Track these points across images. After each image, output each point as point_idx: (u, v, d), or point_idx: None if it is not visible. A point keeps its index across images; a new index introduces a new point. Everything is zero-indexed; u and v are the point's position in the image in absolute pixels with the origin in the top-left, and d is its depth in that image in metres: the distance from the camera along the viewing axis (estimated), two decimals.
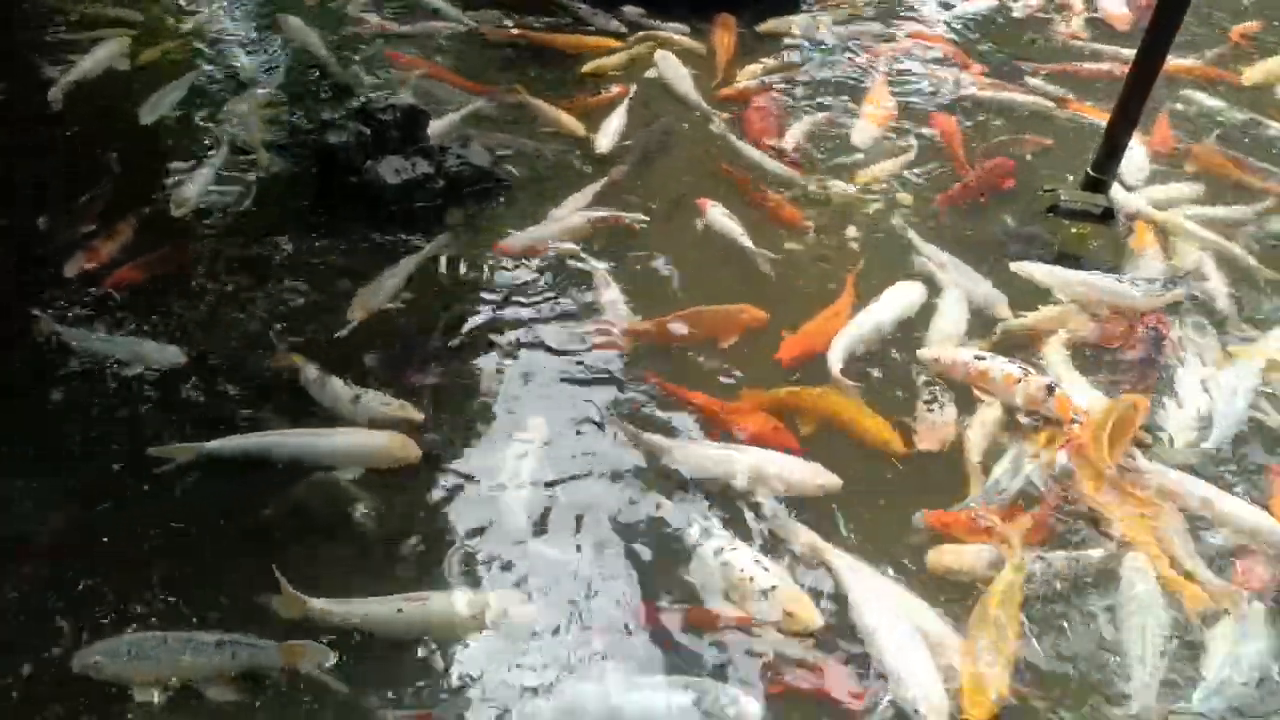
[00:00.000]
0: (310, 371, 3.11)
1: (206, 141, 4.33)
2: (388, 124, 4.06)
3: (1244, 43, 5.47)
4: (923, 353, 3.32)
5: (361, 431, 2.96)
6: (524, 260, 3.71)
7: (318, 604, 2.46)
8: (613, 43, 5.22)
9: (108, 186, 3.98)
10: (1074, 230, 3.92)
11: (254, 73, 4.89)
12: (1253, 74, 5.09)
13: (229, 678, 2.34)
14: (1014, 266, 3.71)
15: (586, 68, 4.99)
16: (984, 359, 3.23)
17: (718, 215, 3.94)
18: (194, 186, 3.97)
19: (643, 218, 3.93)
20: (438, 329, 3.40)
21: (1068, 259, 3.79)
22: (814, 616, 2.48)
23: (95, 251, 3.60)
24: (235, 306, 3.44)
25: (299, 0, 5.55)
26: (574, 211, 3.95)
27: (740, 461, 2.88)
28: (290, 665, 2.36)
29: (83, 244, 3.63)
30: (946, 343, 3.37)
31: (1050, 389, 3.12)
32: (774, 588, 2.52)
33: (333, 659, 2.38)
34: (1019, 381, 3.14)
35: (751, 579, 2.54)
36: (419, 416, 3.01)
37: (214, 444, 2.87)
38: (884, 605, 2.52)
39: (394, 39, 5.26)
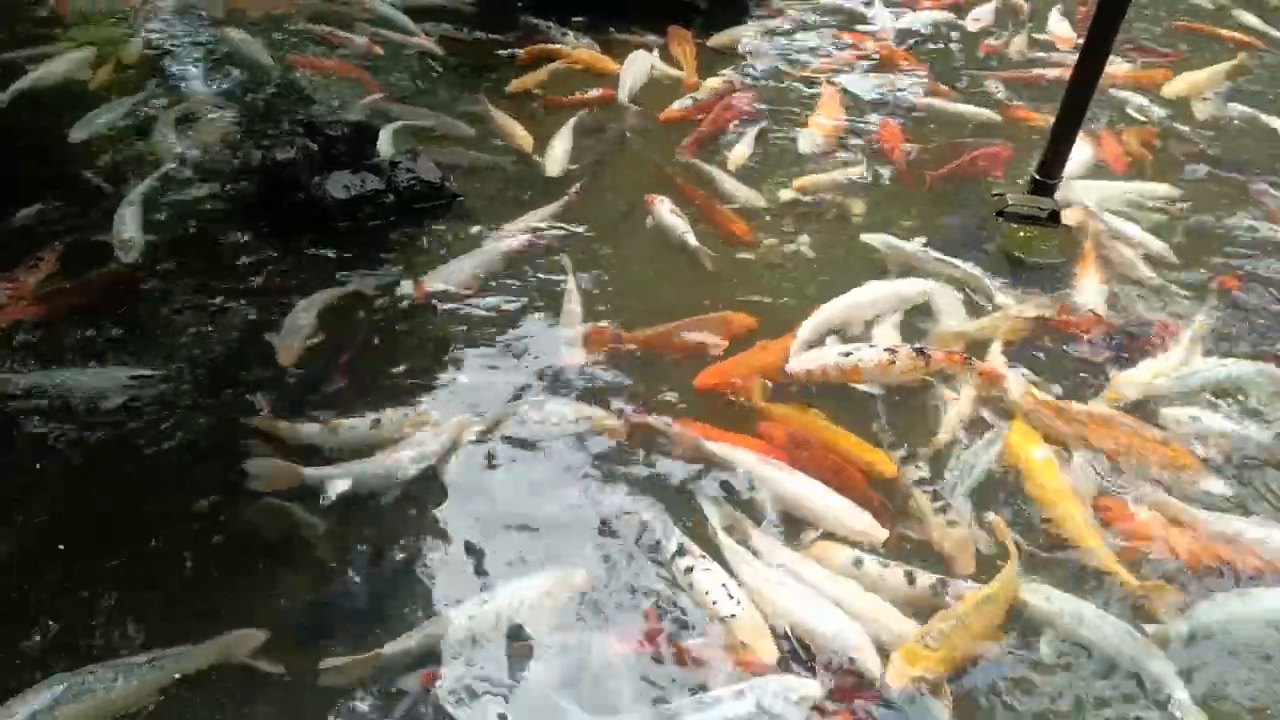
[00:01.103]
0: (307, 430, 2.96)
1: (135, 166, 4.22)
2: (335, 139, 4.03)
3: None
4: (791, 367, 3.20)
5: (429, 436, 2.94)
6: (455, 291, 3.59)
7: (388, 648, 2.39)
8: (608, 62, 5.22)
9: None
10: (1021, 233, 3.97)
11: (199, 90, 4.84)
12: (1174, 87, 5.18)
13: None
14: (864, 237, 3.88)
15: (512, 86, 4.96)
16: (850, 353, 3.21)
17: (664, 212, 3.97)
18: (131, 227, 3.76)
19: (554, 235, 3.88)
20: (342, 365, 3.25)
21: (1012, 261, 3.85)
22: (768, 650, 2.40)
23: (19, 284, 3.46)
24: (181, 333, 3.35)
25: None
26: (496, 241, 3.84)
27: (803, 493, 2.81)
28: (224, 659, 2.35)
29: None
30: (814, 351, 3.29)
31: (920, 351, 3.20)
32: (733, 616, 2.47)
33: (262, 639, 2.37)
34: (892, 362, 3.17)
35: (715, 603, 2.50)
36: (434, 415, 3.03)
37: (311, 470, 2.80)
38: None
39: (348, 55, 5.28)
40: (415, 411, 3.05)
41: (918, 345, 3.27)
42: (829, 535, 2.72)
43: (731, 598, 2.51)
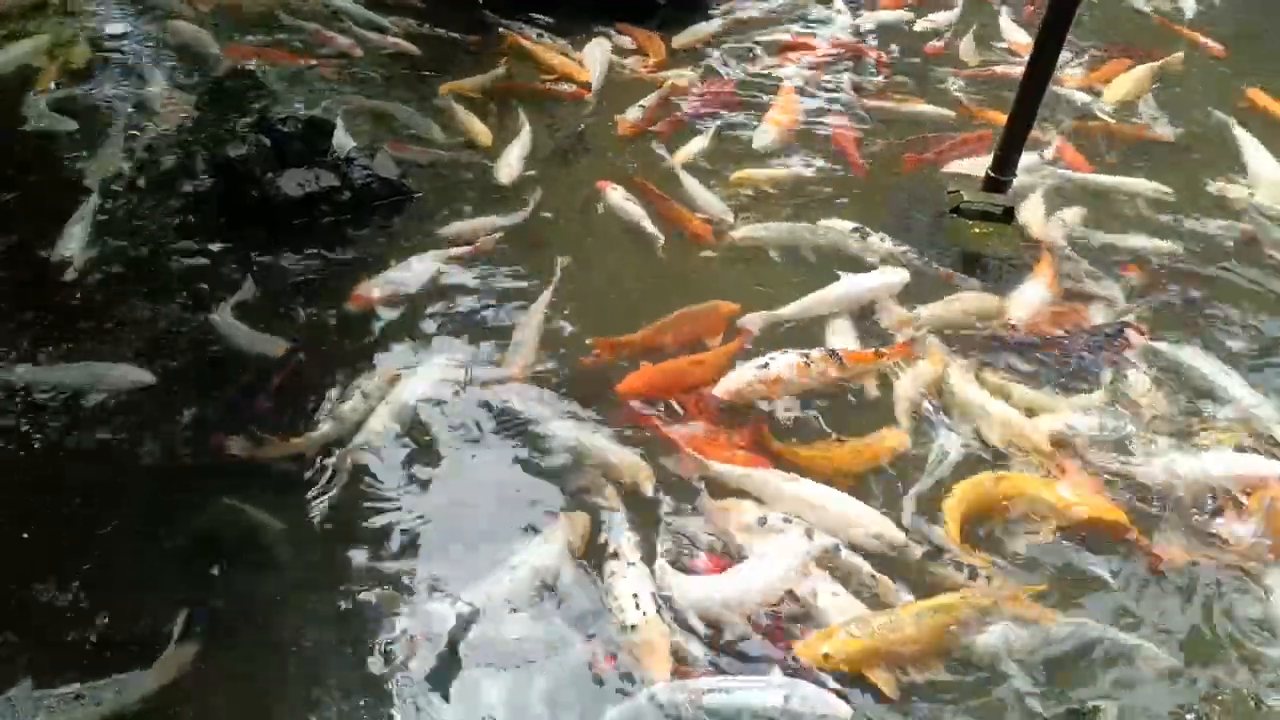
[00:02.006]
0: (319, 433, 2.97)
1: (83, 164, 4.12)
2: (290, 136, 3.97)
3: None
4: (717, 391, 3.15)
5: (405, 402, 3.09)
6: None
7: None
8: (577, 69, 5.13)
9: None
10: (976, 230, 4.02)
11: (150, 85, 4.74)
12: (1113, 91, 5.20)
13: None
14: (740, 231, 3.89)
15: (445, 88, 4.86)
16: (767, 365, 3.17)
17: (618, 199, 3.99)
18: (74, 244, 3.65)
19: (496, 234, 3.85)
20: (273, 387, 3.16)
21: (965, 257, 3.90)
22: (663, 666, 2.39)
23: None
24: (123, 340, 3.29)
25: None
26: (446, 245, 3.81)
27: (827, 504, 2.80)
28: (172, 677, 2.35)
29: None
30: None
31: (833, 353, 3.24)
32: (634, 626, 2.46)
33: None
34: (808, 366, 3.18)
35: (622, 610, 2.50)
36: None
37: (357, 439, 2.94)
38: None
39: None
40: (385, 373, 3.17)
41: (829, 348, 3.27)
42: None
43: (639, 608, 2.50)
